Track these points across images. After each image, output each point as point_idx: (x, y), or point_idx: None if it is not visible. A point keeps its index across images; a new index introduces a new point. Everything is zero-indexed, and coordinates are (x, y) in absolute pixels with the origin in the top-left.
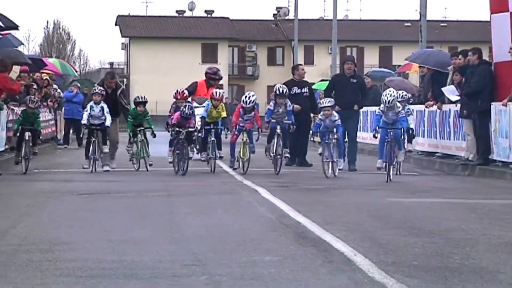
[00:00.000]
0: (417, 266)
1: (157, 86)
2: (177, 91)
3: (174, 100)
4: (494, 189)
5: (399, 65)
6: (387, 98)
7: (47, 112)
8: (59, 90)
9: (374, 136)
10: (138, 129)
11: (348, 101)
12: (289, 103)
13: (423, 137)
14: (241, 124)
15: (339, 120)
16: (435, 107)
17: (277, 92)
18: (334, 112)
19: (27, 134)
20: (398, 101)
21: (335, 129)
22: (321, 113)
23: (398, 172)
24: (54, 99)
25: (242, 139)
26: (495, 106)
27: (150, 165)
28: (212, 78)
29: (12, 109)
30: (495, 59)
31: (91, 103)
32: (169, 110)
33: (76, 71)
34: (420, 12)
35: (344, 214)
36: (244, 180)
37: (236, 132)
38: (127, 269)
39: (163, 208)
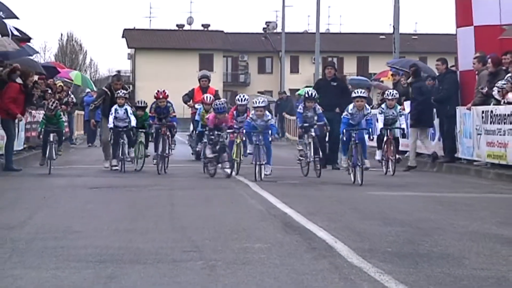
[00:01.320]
0: (391, 252)
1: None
2: (158, 91)
3: (155, 100)
4: (459, 184)
5: (375, 73)
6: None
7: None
8: (72, 96)
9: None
10: (138, 130)
11: (330, 103)
12: (318, 106)
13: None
14: (235, 126)
15: (273, 120)
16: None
17: (306, 95)
18: (267, 112)
19: (52, 136)
20: (389, 99)
21: (270, 131)
22: (253, 112)
23: (392, 173)
24: (67, 104)
25: (236, 141)
26: (460, 110)
27: (142, 167)
28: (201, 82)
29: (30, 112)
30: (460, 68)
31: (115, 106)
32: (149, 111)
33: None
34: (393, 26)
35: (326, 206)
36: (237, 176)
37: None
38: (132, 255)
39: (164, 200)
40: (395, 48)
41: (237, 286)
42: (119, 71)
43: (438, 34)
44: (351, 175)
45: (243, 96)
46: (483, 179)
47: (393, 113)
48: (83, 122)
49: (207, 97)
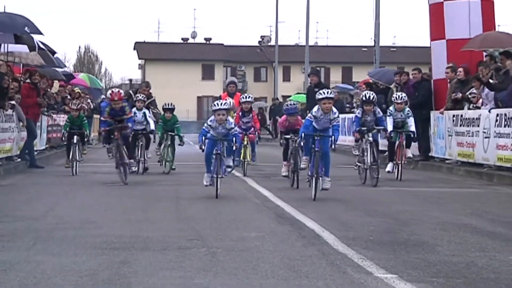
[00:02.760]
0: (372, 240)
1: (167, 98)
2: (113, 91)
3: (109, 102)
4: (433, 180)
5: (358, 81)
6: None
7: None
8: (89, 101)
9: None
10: (167, 133)
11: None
12: (378, 109)
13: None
14: (242, 127)
15: (236, 128)
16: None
17: (364, 98)
18: (229, 118)
19: (76, 138)
20: (398, 103)
21: (234, 139)
22: (212, 118)
23: (400, 178)
24: (84, 109)
25: (243, 142)
26: (434, 114)
27: (173, 169)
28: (228, 88)
29: (51, 116)
30: (434, 77)
31: (134, 109)
32: (103, 115)
33: (101, 83)
34: (374, 40)
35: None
36: (235, 172)
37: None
38: (142, 242)
39: (171, 194)
40: (376, 59)
41: (235, 270)
42: (131, 80)
43: (414, 47)
44: (309, 183)
45: (248, 94)
46: (454, 175)
47: (401, 115)
48: (99, 125)
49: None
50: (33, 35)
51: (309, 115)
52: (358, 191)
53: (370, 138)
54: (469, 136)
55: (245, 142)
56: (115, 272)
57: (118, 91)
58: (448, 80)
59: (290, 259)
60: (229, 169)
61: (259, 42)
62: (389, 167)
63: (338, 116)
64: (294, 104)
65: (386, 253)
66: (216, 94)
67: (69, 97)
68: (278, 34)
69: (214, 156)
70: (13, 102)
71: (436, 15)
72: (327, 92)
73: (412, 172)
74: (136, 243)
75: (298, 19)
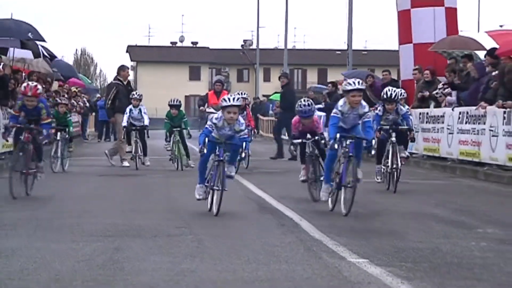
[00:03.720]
0: (346, 229)
1: (157, 97)
2: (28, 84)
3: (21, 96)
4: (401, 173)
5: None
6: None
7: (75, 115)
8: (84, 99)
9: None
10: (174, 129)
11: (283, 106)
12: (400, 107)
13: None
14: None
15: (246, 131)
16: None
17: (385, 96)
18: (240, 118)
19: (59, 134)
20: (395, 100)
21: (244, 144)
22: (218, 115)
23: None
24: (80, 107)
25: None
26: None
27: (186, 166)
28: (215, 87)
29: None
30: (402, 77)
31: (130, 106)
32: (14, 109)
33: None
34: (347, 44)
35: (293, 191)
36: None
37: None
38: (135, 230)
39: (162, 186)
40: (349, 61)
41: (220, 256)
42: None
43: (384, 50)
44: (330, 201)
45: (242, 91)
46: (421, 168)
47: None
48: (94, 121)
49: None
50: (36, 42)
51: (334, 110)
52: None
53: (393, 139)
54: (434, 132)
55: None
56: (109, 258)
57: (35, 85)
58: (415, 81)
59: (271, 245)
60: (230, 179)
61: (242, 45)
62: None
63: (368, 111)
64: (308, 105)
65: (358, 239)
66: (202, 93)
67: (66, 96)
68: (259, 38)
69: (215, 163)
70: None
71: (404, 21)
72: (358, 83)
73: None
74: (129, 231)
75: (277, 25)
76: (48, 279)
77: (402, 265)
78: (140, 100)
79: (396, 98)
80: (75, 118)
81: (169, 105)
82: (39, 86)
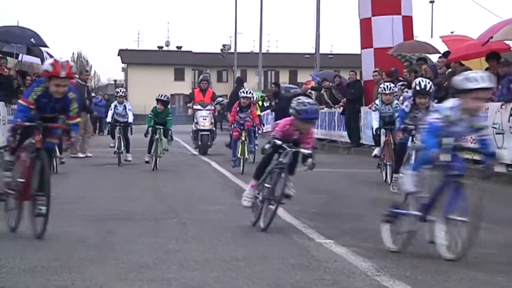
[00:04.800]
0: (314, 212)
1: (145, 96)
2: (56, 61)
3: (40, 80)
4: (362, 163)
5: (302, 82)
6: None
7: None
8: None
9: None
10: (158, 126)
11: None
12: (433, 103)
13: (317, 129)
14: (240, 122)
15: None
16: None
17: (418, 88)
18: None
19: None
20: (386, 94)
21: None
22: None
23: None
24: None
25: (241, 138)
26: (363, 109)
27: (166, 150)
28: (201, 84)
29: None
30: (364, 79)
31: (115, 102)
32: (24, 99)
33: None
34: (315, 48)
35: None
36: (202, 157)
37: (236, 128)
38: (126, 215)
39: (150, 176)
40: (317, 64)
41: (202, 236)
42: (115, 80)
43: (348, 54)
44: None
45: (248, 89)
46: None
47: (389, 109)
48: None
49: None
50: (40, 48)
51: (436, 115)
52: (301, 172)
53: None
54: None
55: (243, 138)
56: (102, 239)
57: (68, 62)
58: (375, 81)
59: (248, 228)
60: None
61: (221, 49)
62: (377, 150)
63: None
64: (315, 104)
65: (325, 222)
66: (186, 92)
67: None
68: (237, 43)
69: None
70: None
71: (366, 28)
72: (483, 78)
73: (347, 157)
74: (120, 215)
75: (253, 31)
76: (48, 258)
77: (363, 245)
78: (125, 96)
79: (430, 90)
80: None
81: (156, 99)
82: (72, 63)
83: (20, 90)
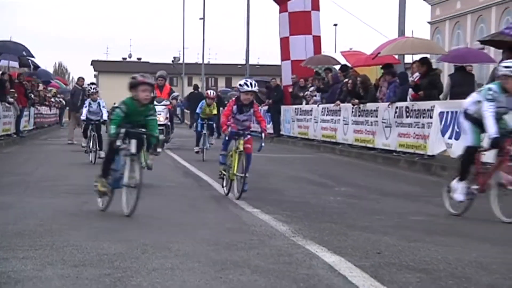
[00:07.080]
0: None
1: (114, 98)
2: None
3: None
4: (282, 149)
5: (235, 87)
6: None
7: (54, 109)
8: (61, 98)
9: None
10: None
11: (194, 107)
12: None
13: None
14: (239, 128)
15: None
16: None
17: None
18: None
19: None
20: None
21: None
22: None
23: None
24: (56, 103)
25: (237, 148)
26: (283, 108)
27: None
28: (158, 81)
29: (36, 107)
30: (283, 83)
31: (89, 100)
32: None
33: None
34: (246, 60)
35: (208, 163)
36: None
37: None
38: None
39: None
40: (247, 72)
41: (156, 207)
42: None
43: (271, 64)
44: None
45: (251, 81)
46: (296, 146)
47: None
48: (68, 113)
49: (210, 92)
50: (29, 58)
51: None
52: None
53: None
54: (305, 121)
55: (241, 148)
56: (79, 209)
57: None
58: (293, 83)
59: (192, 199)
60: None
61: (172, 60)
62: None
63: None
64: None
65: (253, 195)
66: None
67: (48, 95)
68: (185, 56)
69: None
70: (11, 99)
71: (284, 44)
72: None
73: (271, 145)
74: (92, 190)
75: (197, 46)
76: (35, 224)
77: (284, 213)
78: (97, 92)
79: None
80: (53, 111)
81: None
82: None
83: (8, 89)
